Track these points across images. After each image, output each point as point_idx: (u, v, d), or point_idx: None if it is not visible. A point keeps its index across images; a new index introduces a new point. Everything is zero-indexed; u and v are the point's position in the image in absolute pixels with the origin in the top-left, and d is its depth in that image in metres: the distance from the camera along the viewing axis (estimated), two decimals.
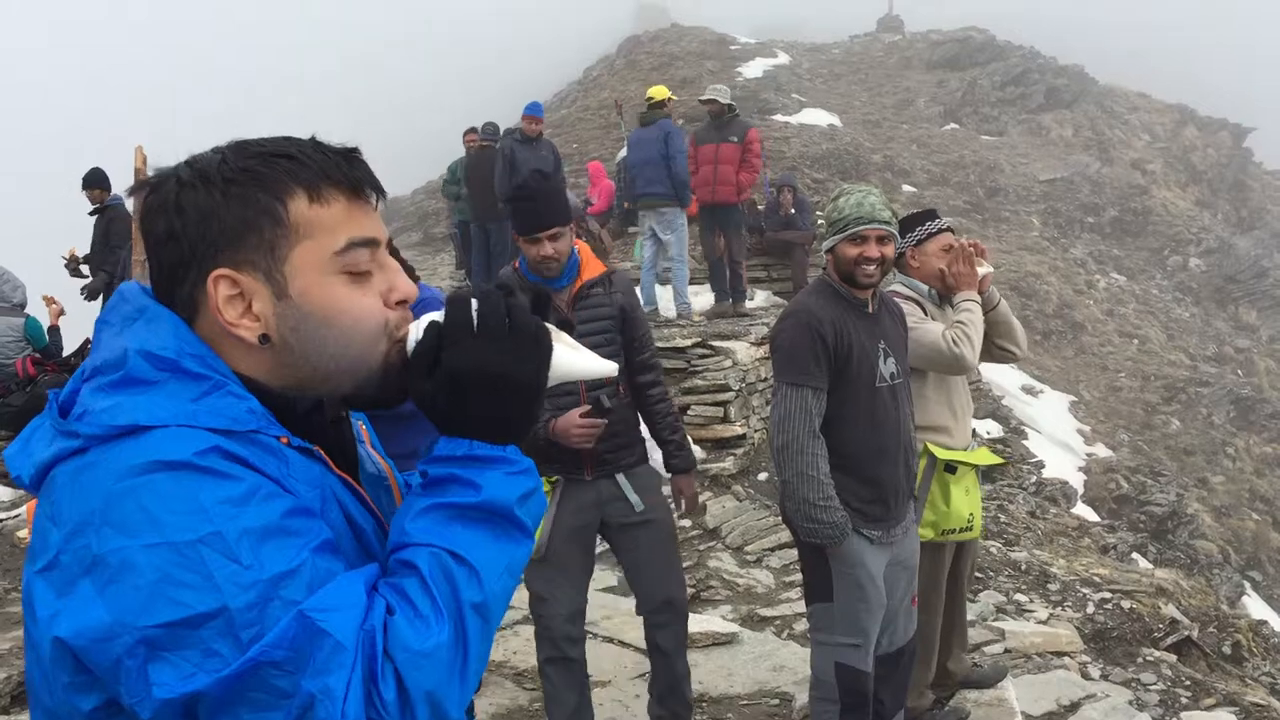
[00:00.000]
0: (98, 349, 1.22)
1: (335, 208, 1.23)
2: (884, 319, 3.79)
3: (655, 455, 4.23)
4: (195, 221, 1.20)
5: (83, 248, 11.08)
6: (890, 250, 3.66)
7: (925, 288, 4.37)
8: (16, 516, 7.91)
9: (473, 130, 13.22)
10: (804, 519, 3.58)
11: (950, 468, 4.19)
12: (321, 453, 1.24)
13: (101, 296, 10.81)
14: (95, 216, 10.83)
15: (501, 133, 12.50)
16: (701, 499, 8.30)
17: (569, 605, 4.04)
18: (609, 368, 1.35)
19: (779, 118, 25.71)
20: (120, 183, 10.85)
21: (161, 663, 1.03)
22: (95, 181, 10.76)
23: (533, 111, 11.59)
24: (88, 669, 1.07)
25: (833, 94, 30.68)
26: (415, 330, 1.26)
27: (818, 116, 26.67)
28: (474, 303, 1.23)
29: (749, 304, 12.64)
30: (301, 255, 1.22)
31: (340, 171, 1.24)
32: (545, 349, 1.26)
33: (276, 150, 1.23)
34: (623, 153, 13.31)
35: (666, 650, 4.20)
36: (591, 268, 4.04)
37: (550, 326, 1.29)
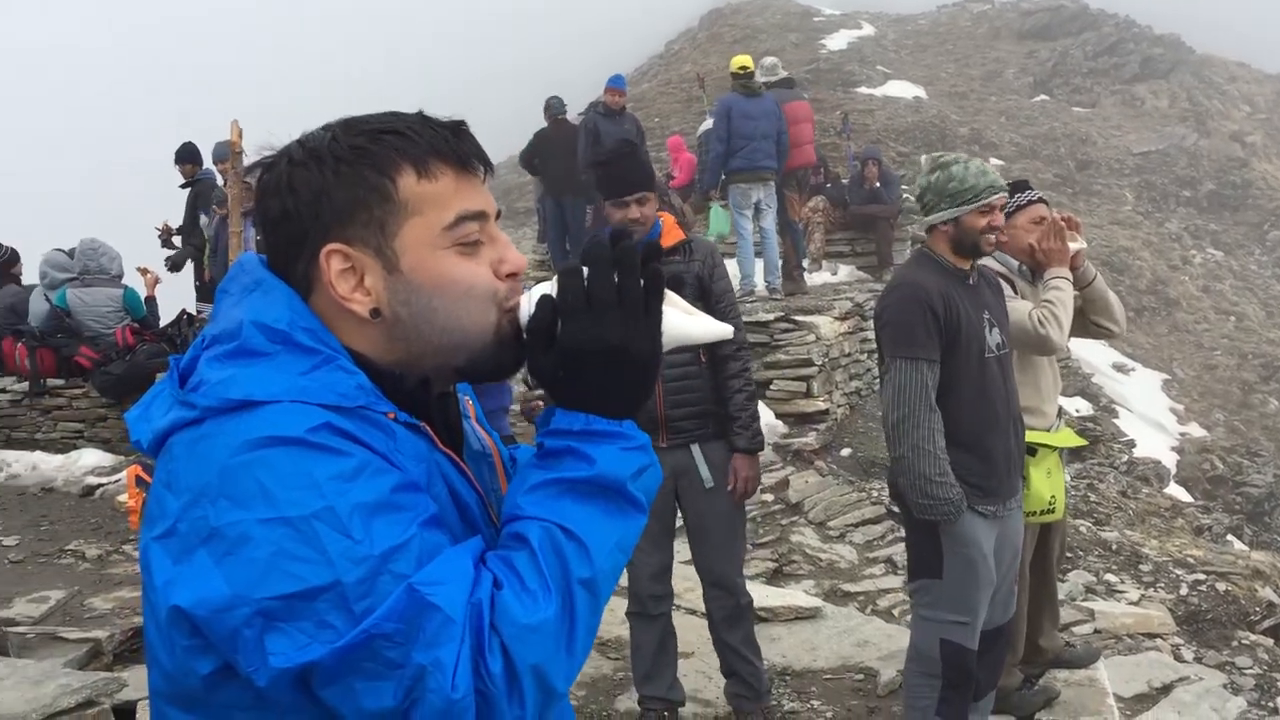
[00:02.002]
0: (216, 317, 1.25)
1: (443, 182, 1.23)
2: (984, 289, 3.71)
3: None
4: (308, 201, 1.21)
5: (176, 221, 11.33)
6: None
7: (1015, 263, 4.26)
8: (116, 481, 8.16)
9: (548, 108, 13.17)
10: (919, 495, 3.52)
11: (1030, 449, 4.09)
12: (427, 428, 1.25)
13: (194, 267, 11.06)
14: (187, 190, 11.07)
15: (585, 107, 12.49)
16: (784, 474, 8.27)
17: (652, 563, 4.15)
18: (723, 330, 1.32)
19: (863, 90, 25.35)
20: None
21: (277, 633, 1.05)
22: (187, 156, 10.96)
23: (615, 84, 11.54)
24: (204, 634, 1.09)
25: (918, 66, 30.15)
26: (527, 302, 1.25)
27: (903, 89, 26.24)
28: (585, 274, 1.22)
29: (833, 278, 12.55)
30: (411, 231, 1.22)
31: (448, 146, 1.24)
32: (658, 319, 1.24)
33: (384, 127, 1.24)
34: (706, 124, 13.18)
35: (719, 627, 4.27)
36: (671, 235, 4.04)
37: (666, 292, 1.27)
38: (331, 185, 1.21)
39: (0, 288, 9.97)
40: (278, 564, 1.05)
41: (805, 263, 12.29)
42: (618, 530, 1.20)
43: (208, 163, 10.92)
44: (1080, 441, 4.78)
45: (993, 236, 3.57)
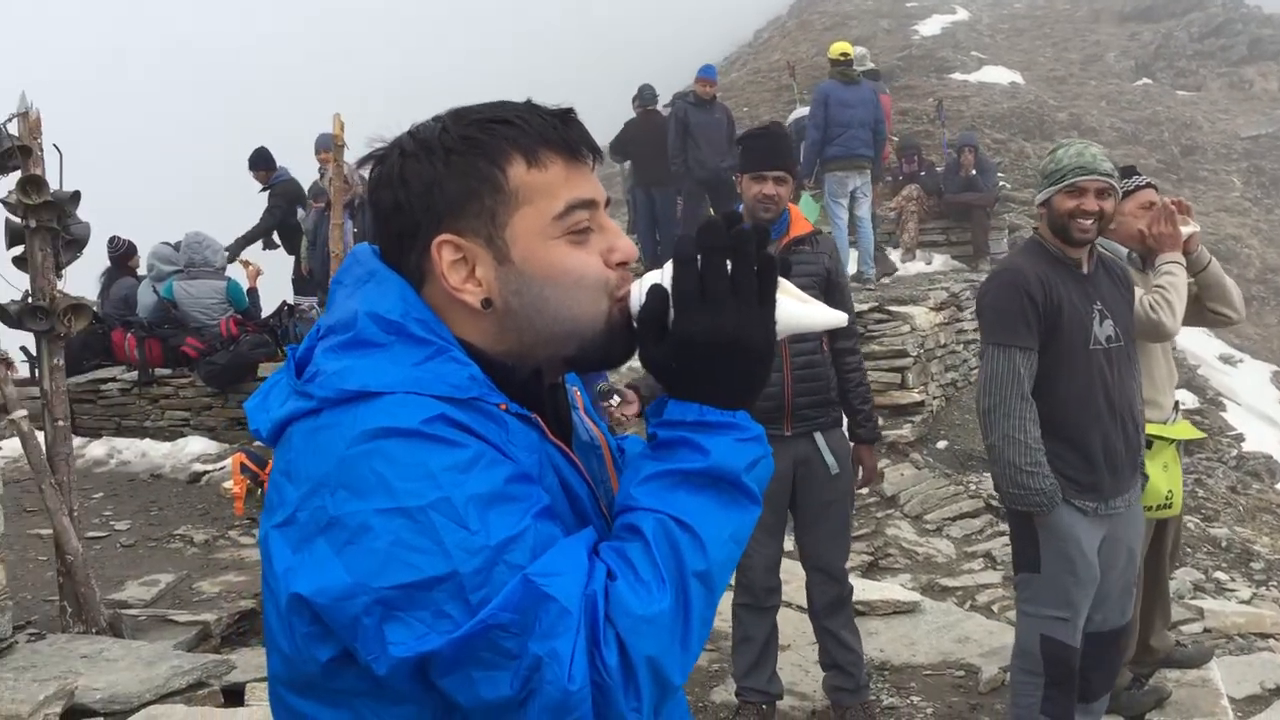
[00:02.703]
0: (331, 308, 1.26)
1: (553, 171, 1.22)
2: (1101, 280, 3.60)
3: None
4: (419, 192, 1.21)
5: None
6: (1110, 205, 3.48)
7: (1124, 250, 4.14)
8: (221, 469, 8.39)
9: (638, 97, 13.13)
10: (1010, 484, 3.46)
11: (1147, 443, 3.97)
12: (539, 420, 1.24)
13: (294, 260, 11.25)
14: (266, 193, 11.26)
15: (673, 96, 12.44)
16: (879, 466, 8.15)
17: (767, 556, 4.16)
18: (837, 318, 1.29)
19: (957, 76, 24.85)
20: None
21: (396, 622, 1.06)
22: (259, 162, 11.14)
23: (706, 74, 11.48)
24: (323, 622, 1.11)
25: (1014, 50, 29.46)
26: (637, 291, 1.24)
27: (998, 74, 25.66)
28: (699, 264, 1.20)
29: (927, 268, 12.36)
30: (521, 221, 1.22)
31: (557, 134, 1.23)
32: (772, 307, 1.22)
33: (494, 116, 1.23)
34: (797, 113, 13.05)
35: (821, 614, 4.28)
36: (799, 226, 4.05)
37: (780, 279, 1.24)
38: (443, 176, 1.21)
39: (116, 280, 10.30)
40: (396, 554, 1.06)
41: (898, 253, 12.20)
42: (732, 522, 1.18)
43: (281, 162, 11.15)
44: (1198, 434, 4.63)
45: (1086, 222, 3.46)
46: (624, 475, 1.24)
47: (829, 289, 4.04)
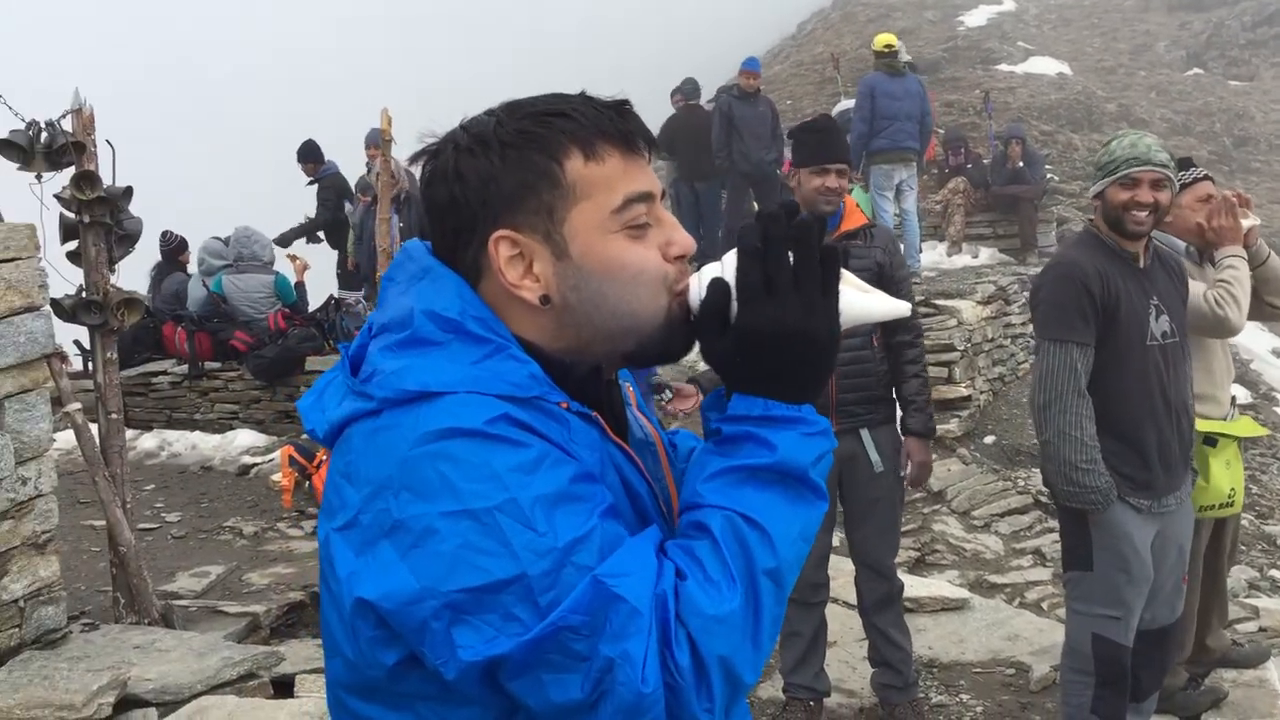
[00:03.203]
0: (384, 306, 1.24)
1: (610, 164, 1.20)
2: (1158, 274, 3.53)
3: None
4: (475, 187, 1.19)
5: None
6: (1166, 197, 3.41)
7: (1181, 244, 4.06)
8: (270, 461, 8.47)
9: (679, 91, 13.09)
10: (1065, 481, 3.40)
11: (1210, 440, 3.89)
12: (599, 418, 1.23)
13: (339, 254, 11.33)
14: (313, 187, 11.33)
15: (717, 90, 12.39)
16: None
17: (814, 552, 4.08)
18: (900, 308, 1.28)
19: (1003, 67, 24.56)
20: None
21: (465, 626, 1.05)
22: (308, 155, 11.22)
23: (750, 66, 11.43)
24: (389, 626, 1.09)
25: (1062, 41, 29.07)
26: (696, 285, 1.22)
27: (1045, 65, 25.32)
28: (761, 257, 1.18)
29: (974, 261, 12.24)
30: (579, 215, 1.20)
31: (613, 126, 1.21)
32: (836, 299, 1.20)
33: (550, 109, 1.21)
34: (842, 105, 12.96)
35: (869, 611, 4.25)
36: (853, 219, 4.01)
37: (843, 272, 1.23)
38: (499, 171, 1.19)
39: (168, 275, 10.42)
40: (463, 557, 1.05)
41: (944, 246, 12.12)
42: (800, 518, 1.17)
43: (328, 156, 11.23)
44: (1262, 430, 4.54)
45: (1141, 214, 3.39)
46: (688, 471, 1.22)
47: (881, 283, 3.94)
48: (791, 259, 1.17)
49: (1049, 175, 13.98)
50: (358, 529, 1.10)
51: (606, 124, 1.21)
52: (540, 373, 1.18)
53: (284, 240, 11.07)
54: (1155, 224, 3.46)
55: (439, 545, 1.05)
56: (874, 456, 4.01)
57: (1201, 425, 3.87)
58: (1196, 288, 3.79)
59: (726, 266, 1.21)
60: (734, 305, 1.19)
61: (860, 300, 1.24)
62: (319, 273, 11.04)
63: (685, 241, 1.25)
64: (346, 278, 11.27)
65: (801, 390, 1.19)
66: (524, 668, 1.05)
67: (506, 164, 1.19)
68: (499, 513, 1.05)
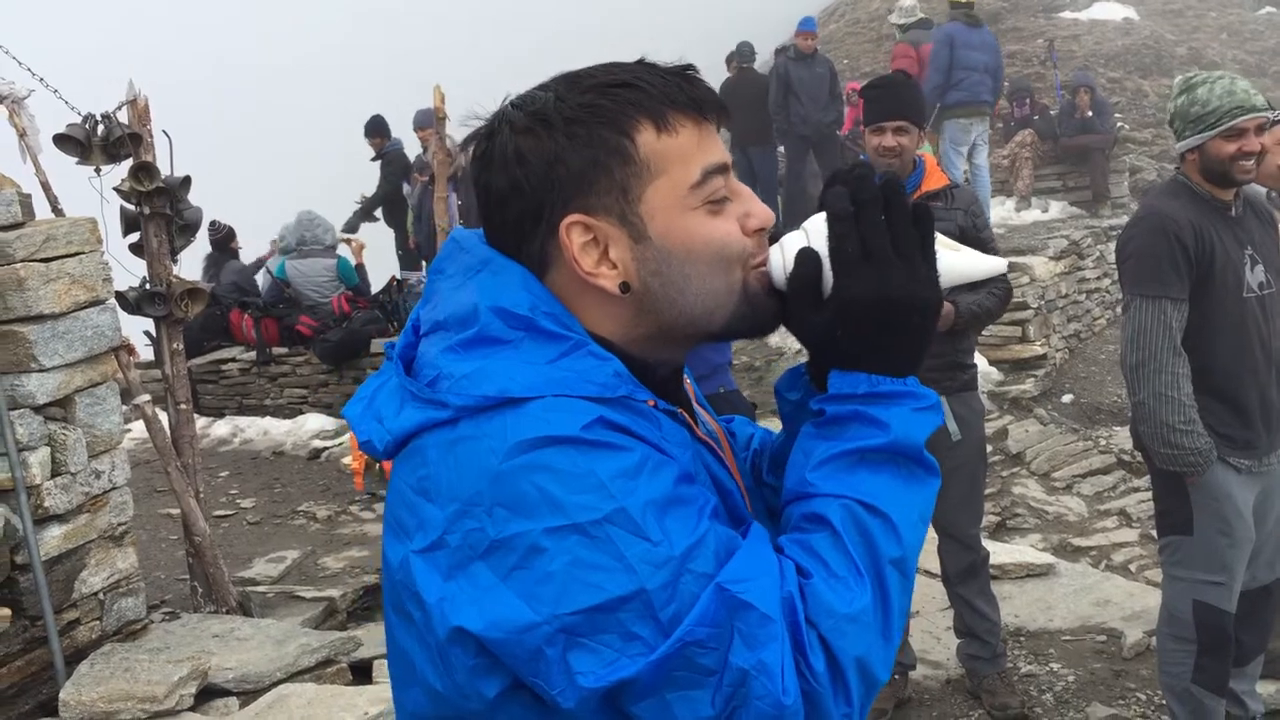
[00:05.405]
0: (435, 301, 1.14)
1: (684, 135, 1.10)
2: (1250, 222, 3.35)
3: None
4: (540, 170, 1.09)
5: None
6: (1269, 140, 3.23)
7: (1263, 190, 3.86)
8: (340, 444, 8.52)
9: (734, 56, 12.85)
10: (1162, 444, 3.25)
11: None
12: (686, 416, 1.14)
13: (397, 235, 11.35)
14: (378, 162, 11.34)
15: (774, 51, 12.17)
16: (1002, 423, 7.91)
17: None
18: (998, 265, 1.21)
19: (1067, 15, 23.92)
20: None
21: (582, 650, 0.96)
22: (374, 129, 11.23)
23: (806, 27, 11.20)
24: (489, 654, 1.00)
25: None
26: (780, 256, 1.13)
27: (1110, 10, 24.61)
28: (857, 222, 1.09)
29: (1043, 216, 11.94)
30: (656, 193, 1.09)
31: (683, 94, 1.11)
32: (934, 262, 1.11)
33: (614, 80, 1.11)
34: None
35: (953, 581, 4.14)
36: (934, 179, 3.87)
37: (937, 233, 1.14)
38: (565, 150, 1.08)
39: (224, 264, 10.52)
40: (575, 575, 0.96)
41: (1013, 202, 11.85)
42: (919, 500, 1.08)
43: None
44: None
45: (1248, 163, 3.21)
46: (791, 460, 1.13)
47: (964, 244, 3.80)
48: (884, 224, 1.09)
49: (1119, 123, 13.57)
50: (445, 551, 1.00)
51: (675, 92, 1.11)
52: (624, 370, 1.08)
53: (351, 226, 11.12)
54: (1257, 168, 3.27)
55: (547, 565, 0.96)
56: (951, 425, 3.88)
57: None
58: None
59: (813, 234, 1.12)
60: (826, 276, 1.10)
61: (957, 260, 1.17)
62: (377, 252, 11.06)
63: (764, 213, 1.15)
64: (407, 257, 11.30)
65: (907, 362, 1.10)
66: (649, 690, 0.96)
67: (573, 142, 1.08)
68: (609, 524, 0.96)
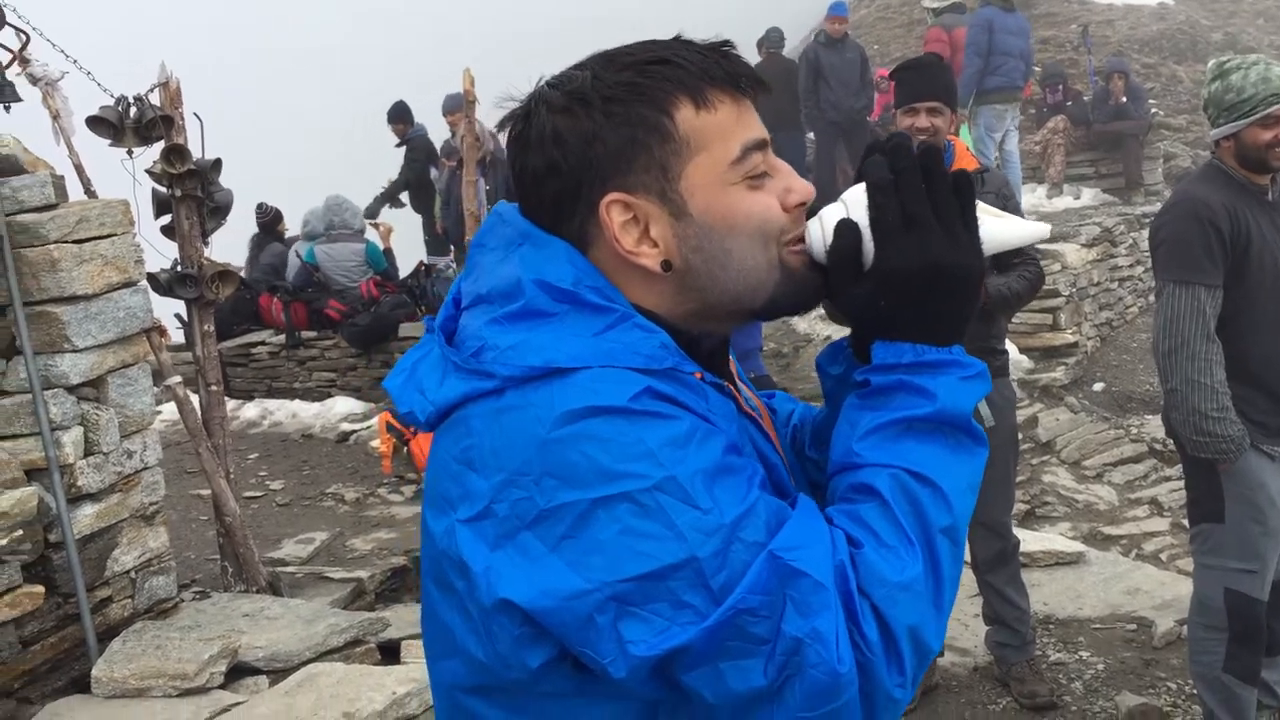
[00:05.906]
0: (477, 274, 1.14)
1: (723, 111, 1.10)
2: None
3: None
4: (578, 150, 1.09)
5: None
6: None
7: None
8: (368, 427, 8.56)
9: (764, 41, 12.78)
10: (1194, 431, 3.21)
11: None
12: (732, 389, 1.14)
13: (424, 219, 11.36)
14: (402, 149, 11.33)
15: (810, 33, 12.11)
16: (1031, 411, 7.85)
17: None
18: (1040, 230, 1.19)
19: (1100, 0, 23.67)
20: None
21: (633, 619, 0.96)
22: (398, 115, 11.22)
23: (837, 11, 11.10)
24: (535, 623, 1.00)
25: None
26: (819, 230, 1.13)
27: None
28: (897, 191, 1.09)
29: (1075, 203, 11.83)
30: (696, 170, 1.09)
31: (720, 69, 1.11)
32: (976, 228, 1.10)
33: (651, 57, 1.10)
34: None
35: (983, 568, 4.11)
36: (962, 162, 3.86)
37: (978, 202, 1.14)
38: (603, 129, 1.08)
39: (266, 246, 10.55)
40: (625, 543, 0.96)
41: (1044, 188, 11.74)
42: (967, 469, 1.08)
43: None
44: None
45: None
46: (836, 431, 1.12)
47: None
48: (924, 192, 1.09)
49: (1153, 110, 13.42)
50: (491, 520, 1.00)
51: (713, 68, 1.11)
52: (671, 342, 1.08)
53: (372, 211, 11.12)
54: None
55: (597, 533, 0.97)
56: (985, 411, 3.85)
57: None
58: None
59: (852, 206, 1.12)
60: (866, 247, 1.10)
61: (999, 226, 1.16)
62: (404, 237, 11.07)
63: (804, 188, 1.15)
64: (435, 243, 11.31)
65: (952, 331, 1.10)
66: (702, 658, 0.96)
67: (611, 121, 1.08)
68: (659, 492, 0.96)
